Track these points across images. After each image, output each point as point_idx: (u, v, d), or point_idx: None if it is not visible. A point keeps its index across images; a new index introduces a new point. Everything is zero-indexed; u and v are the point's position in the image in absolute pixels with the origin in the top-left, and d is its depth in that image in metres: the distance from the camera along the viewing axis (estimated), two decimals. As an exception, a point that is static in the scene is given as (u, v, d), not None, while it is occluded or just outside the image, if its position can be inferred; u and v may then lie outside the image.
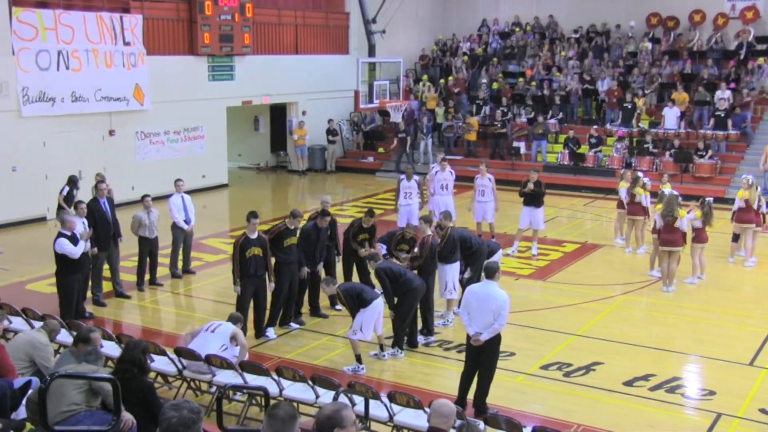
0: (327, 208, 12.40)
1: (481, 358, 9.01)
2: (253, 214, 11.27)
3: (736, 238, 15.90)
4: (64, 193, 15.93)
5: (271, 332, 11.65)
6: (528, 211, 16.09)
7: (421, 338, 11.39)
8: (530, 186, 15.85)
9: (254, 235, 11.24)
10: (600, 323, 12.39)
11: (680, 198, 14.48)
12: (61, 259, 11.56)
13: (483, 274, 9.26)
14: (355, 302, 10.36)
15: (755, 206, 15.39)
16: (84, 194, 15.74)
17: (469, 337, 9.06)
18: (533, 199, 15.99)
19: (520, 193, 16.10)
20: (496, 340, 8.96)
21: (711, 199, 14.89)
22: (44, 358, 8.09)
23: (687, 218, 13.92)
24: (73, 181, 16.13)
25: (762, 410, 9.34)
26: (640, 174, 16.81)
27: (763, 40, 25.78)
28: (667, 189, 16.00)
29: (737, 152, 23.42)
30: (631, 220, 16.46)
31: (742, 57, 25.63)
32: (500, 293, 8.91)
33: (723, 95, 23.62)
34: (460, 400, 8.99)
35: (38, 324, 9.48)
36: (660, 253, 14.12)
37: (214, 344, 9.36)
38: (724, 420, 9.11)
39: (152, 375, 7.63)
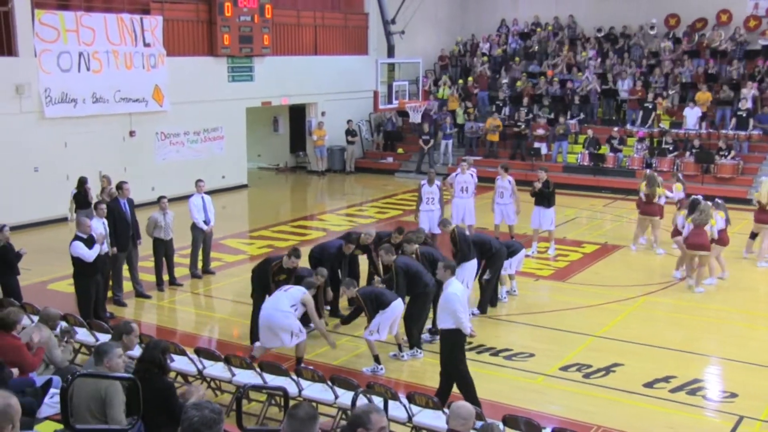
0: (366, 241, 12.30)
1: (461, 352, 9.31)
2: (298, 251, 11.30)
3: (753, 235, 15.94)
4: (73, 193, 16.07)
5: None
6: (538, 211, 16.03)
7: (426, 336, 11.38)
8: (537, 185, 15.75)
9: (287, 267, 11.21)
10: (620, 324, 12.33)
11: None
12: (77, 262, 11.59)
13: (448, 271, 9.34)
14: (374, 305, 10.38)
15: None
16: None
17: (453, 339, 9.15)
18: (542, 199, 15.91)
19: (531, 193, 16.07)
20: None
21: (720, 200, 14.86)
22: (49, 350, 8.12)
23: (717, 225, 14.03)
24: (81, 183, 16.21)
25: (784, 413, 9.26)
26: (655, 174, 16.78)
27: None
28: (678, 191, 16.37)
29: (759, 152, 23.21)
30: (647, 220, 16.42)
31: (766, 56, 25.39)
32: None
33: (747, 94, 23.41)
34: (475, 401, 8.97)
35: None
36: (688, 256, 14.16)
37: (285, 303, 10.06)
38: (746, 423, 9.03)
39: (172, 375, 7.67)
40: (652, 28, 28.18)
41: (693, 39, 27.41)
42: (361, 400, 7.89)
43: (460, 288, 9.26)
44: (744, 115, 23.04)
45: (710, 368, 10.90)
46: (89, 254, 11.50)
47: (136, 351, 8.28)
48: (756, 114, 23.25)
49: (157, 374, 6.67)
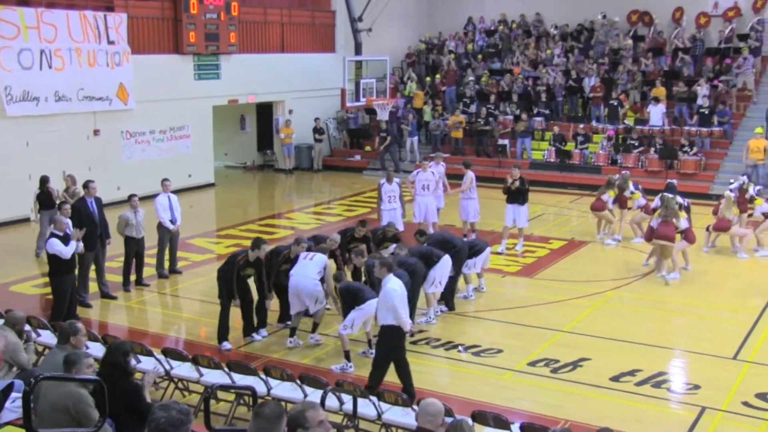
0: (331, 247, 12.14)
1: (403, 348, 9.48)
2: (264, 244, 11.21)
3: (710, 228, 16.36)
4: (36, 193, 15.87)
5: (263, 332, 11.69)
6: (512, 208, 16.11)
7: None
8: (515, 183, 15.86)
9: (253, 260, 11.19)
10: (587, 319, 12.45)
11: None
12: (54, 260, 11.53)
13: (384, 269, 9.42)
14: (351, 301, 10.40)
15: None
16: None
17: (398, 335, 9.28)
18: (517, 197, 16.00)
19: (504, 190, 16.14)
20: None
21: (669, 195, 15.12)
22: (14, 353, 8.01)
23: (682, 225, 14.40)
24: (43, 182, 15.97)
25: (745, 403, 9.42)
26: (615, 177, 17.28)
27: (744, 37, 25.90)
28: (637, 200, 16.93)
29: (721, 149, 23.57)
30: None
31: (723, 54, 25.76)
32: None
33: (703, 91, 23.77)
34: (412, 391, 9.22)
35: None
36: (654, 244, 14.52)
37: (312, 270, 10.75)
38: (709, 413, 9.19)
39: (138, 376, 7.59)
40: (614, 23, 28.38)
41: (651, 34, 27.67)
42: (330, 399, 7.89)
43: (398, 284, 9.32)
44: (706, 112, 23.36)
45: (674, 361, 11.06)
46: (66, 251, 11.45)
47: (98, 352, 8.21)
48: (716, 110, 23.58)
49: (121, 376, 6.60)
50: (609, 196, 16.96)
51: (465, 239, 14.48)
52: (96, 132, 20.73)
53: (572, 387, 9.93)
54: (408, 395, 8.53)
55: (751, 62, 24.82)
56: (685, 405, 9.49)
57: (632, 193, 17.01)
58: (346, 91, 24.82)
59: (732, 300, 13.57)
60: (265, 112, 27.62)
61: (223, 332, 11.25)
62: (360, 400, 8.01)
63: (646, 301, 13.41)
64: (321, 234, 12.53)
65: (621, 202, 17.08)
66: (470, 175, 16.83)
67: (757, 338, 11.59)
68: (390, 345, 9.34)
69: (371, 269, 10.76)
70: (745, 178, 17.24)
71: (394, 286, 9.22)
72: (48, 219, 15.47)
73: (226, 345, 11.18)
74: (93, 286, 13.40)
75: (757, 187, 16.80)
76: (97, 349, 9.36)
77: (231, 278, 11.03)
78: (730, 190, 16.32)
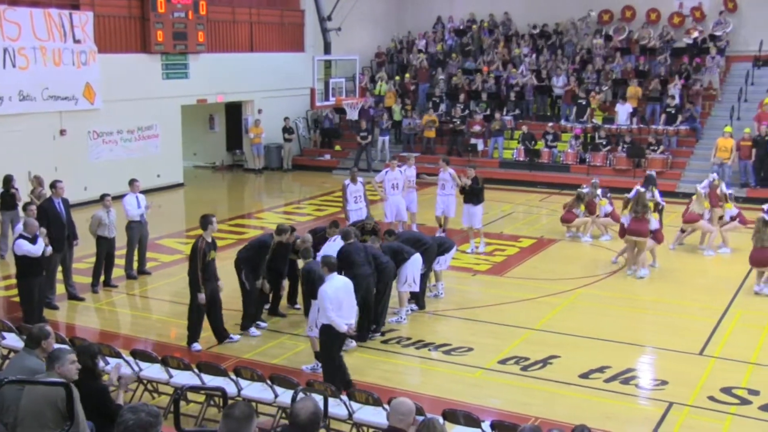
0: (301, 247, 12.06)
1: (340, 344, 9.54)
2: (212, 219, 11.17)
3: (684, 229, 16.50)
4: None
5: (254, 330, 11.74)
6: (466, 209, 16.07)
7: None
8: (466, 182, 15.83)
9: (210, 239, 11.14)
10: (557, 317, 12.54)
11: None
12: (22, 262, 11.37)
13: (326, 268, 9.43)
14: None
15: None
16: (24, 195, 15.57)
17: (335, 335, 9.31)
18: (471, 197, 15.96)
19: (459, 190, 16.16)
20: None
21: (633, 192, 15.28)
22: None
23: (652, 225, 14.61)
24: (6, 181, 15.73)
25: (711, 398, 9.56)
26: (584, 191, 17.37)
27: (711, 38, 26.24)
28: (603, 206, 17.19)
29: (687, 147, 23.88)
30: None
31: (691, 54, 26.09)
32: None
33: (674, 91, 24.05)
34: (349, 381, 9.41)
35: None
36: (627, 240, 14.71)
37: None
38: (676, 408, 9.30)
39: (107, 377, 7.51)
40: (585, 22, 28.61)
41: (623, 33, 27.96)
42: (300, 398, 7.86)
43: (333, 285, 9.27)
44: (673, 111, 23.64)
45: (643, 357, 11.18)
46: (35, 249, 11.33)
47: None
48: (684, 109, 23.88)
49: (89, 379, 6.53)
50: (580, 210, 17.19)
51: (443, 234, 14.92)
52: (62, 132, 20.48)
53: (542, 384, 10.00)
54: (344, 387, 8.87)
55: (718, 62, 25.17)
56: (653, 401, 9.60)
57: (600, 199, 17.17)
58: (316, 90, 24.73)
59: (698, 297, 13.74)
60: (234, 111, 27.47)
61: (194, 333, 11.19)
62: (331, 400, 7.99)
63: (615, 299, 13.54)
64: (318, 226, 12.59)
65: (590, 208, 17.23)
66: (452, 171, 16.87)
67: (722, 334, 11.76)
68: (329, 344, 9.42)
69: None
70: (714, 175, 17.43)
71: (326, 287, 9.25)
72: (9, 219, 15.33)
73: (196, 346, 11.11)
74: (59, 288, 13.23)
75: (729, 191, 16.96)
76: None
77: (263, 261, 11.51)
78: (702, 188, 16.43)
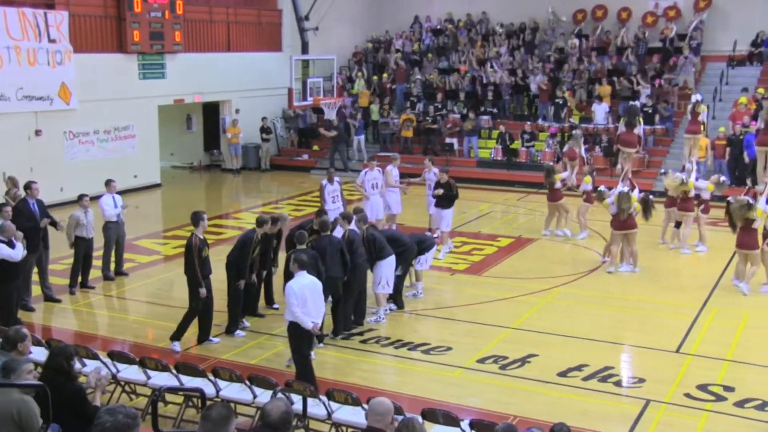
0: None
1: (309, 342, 9.61)
2: (202, 215, 11.21)
3: (678, 224, 16.56)
4: None
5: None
6: (437, 212, 15.93)
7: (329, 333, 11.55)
8: (439, 191, 15.60)
9: (202, 236, 11.14)
10: (535, 316, 12.60)
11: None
12: (1, 265, 11.23)
13: (296, 265, 9.43)
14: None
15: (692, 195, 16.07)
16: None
17: (300, 333, 9.36)
18: (442, 200, 15.79)
19: (433, 194, 16.05)
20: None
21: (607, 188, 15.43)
22: None
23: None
24: None
25: (687, 395, 9.65)
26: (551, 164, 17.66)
27: (684, 37, 26.49)
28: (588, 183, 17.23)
29: (663, 146, 24.10)
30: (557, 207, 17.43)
31: (665, 53, 26.31)
32: (316, 279, 9.67)
33: (646, 91, 24.24)
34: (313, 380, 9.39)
35: None
36: (616, 236, 14.86)
37: None
38: (653, 406, 9.38)
39: (83, 380, 7.45)
40: (560, 22, 28.77)
41: (597, 32, 28.15)
42: (279, 398, 7.84)
43: (300, 282, 9.30)
44: (649, 111, 23.82)
45: (620, 355, 11.26)
46: (15, 254, 11.22)
47: (41, 357, 8.04)
48: (658, 108, 24.06)
49: (65, 381, 6.48)
50: (580, 149, 17.98)
51: (430, 234, 15.20)
52: (38, 132, 20.28)
53: (520, 383, 10.04)
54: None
55: (692, 61, 25.41)
56: (631, 398, 9.67)
57: (584, 155, 17.32)
58: (294, 90, 24.72)
59: (675, 295, 13.85)
60: (211, 111, 27.35)
61: (180, 333, 11.18)
62: (310, 400, 8.00)
63: (593, 297, 13.62)
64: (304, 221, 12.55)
65: (570, 155, 18.02)
66: (437, 170, 16.94)
67: (699, 332, 11.87)
68: (298, 341, 9.49)
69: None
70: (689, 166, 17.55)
71: (291, 283, 9.34)
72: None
73: (176, 346, 11.07)
74: (35, 290, 13.11)
75: (716, 176, 17.10)
76: (41, 354, 9.16)
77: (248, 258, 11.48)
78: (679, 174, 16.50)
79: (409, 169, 19.70)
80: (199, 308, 11.09)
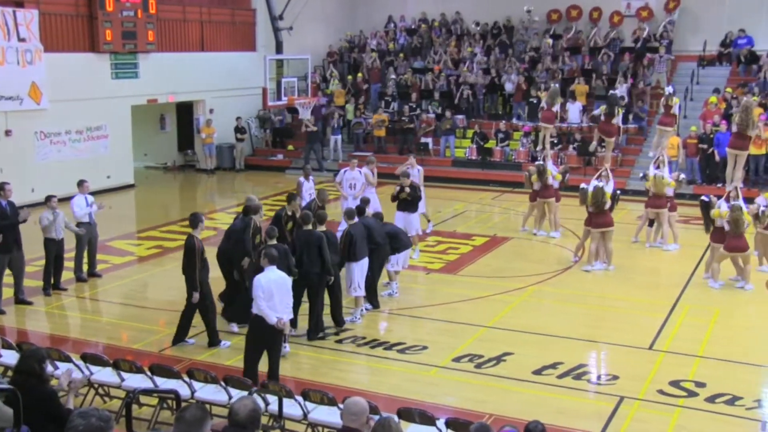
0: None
1: (271, 339, 9.49)
2: (201, 216, 11.30)
3: (652, 222, 16.70)
4: None
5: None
6: (402, 216, 15.41)
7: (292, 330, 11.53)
8: (406, 191, 15.04)
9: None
10: (510, 314, 12.66)
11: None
12: None
13: (266, 259, 9.45)
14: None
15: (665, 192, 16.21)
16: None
17: (260, 326, 9.36)
18: (408, 205, 15.34)
19: (392, 198, 15.41)
20: None
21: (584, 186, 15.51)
22: None
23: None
24: None
25: (660, 391, 9.74)
26: (540, 163, 17.67)
27: (657, 37, 26.72)
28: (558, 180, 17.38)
29: (636, 145, 24.32)
30: (545, 203, 17.45)
31: (637, 53, 26.54)
32: (286, 275, 9.72)
33: (622, 90, 24.43)
34: (255, 376, 9.38)
35: None
36: (592, 234, 15.00)
37: None
38: (627, 402, 9.46)
39: (55, 383, 7.38)
40: (534, 22, 28.92)
41: (570, 32, 28.33)
42: (255, 399, 7.82)
43: (268, 277, 9.33)
44: (623, 110, 23.99)
45: (594, 353, 11.34)
46: None
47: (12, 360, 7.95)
48: (632, 108, 24.29)
49: (36, 384, 6.41)
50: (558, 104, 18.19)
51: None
52: (7, 132, 20.03)
53: (496, 381, 10.09)
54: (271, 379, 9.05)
55: (665, 61, 25.65)
56: (605, 395, 9.74)
57: (554, 175, 17.34)
58: (268, 90, 24.61)
59: (648, 292, 13.99)
60: (185, 111, 27.19)
61: (183, 333, 11.19)
62: (286, 401, 7.98)
63: (567, 295, 13.71)
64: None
65: (546, 116, 18.14)
66: (420, 168, 17.16)
67: (671, 329, 12.00)
68: (254, 334, 9.53)
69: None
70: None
71: (259, 277, 9.39)
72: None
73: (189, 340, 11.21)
74: (7, 292, 12.93)
75: (676, 173, 17.28)
76: (12, 357, 9.06)
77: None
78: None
79: (383, 169, 19.67)
80: (199, 306, 11.06)
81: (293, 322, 11.35)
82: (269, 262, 9.43)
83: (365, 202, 13.65)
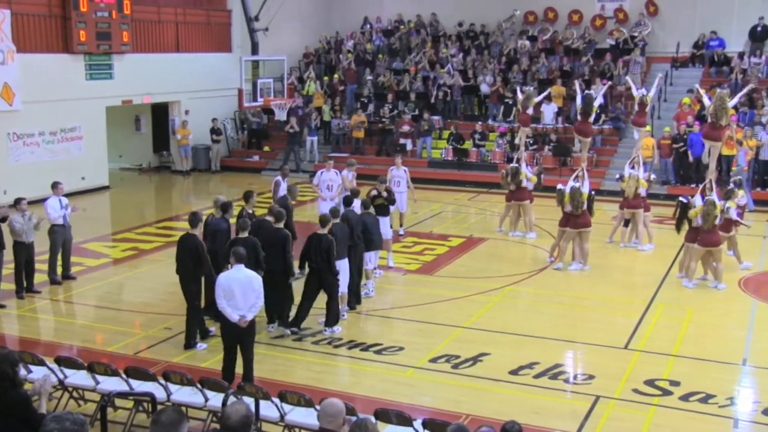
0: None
1: (245, 336, 9.54)
2: (201, 216, 11.45)
3: (627, 223, 16.79)
4: None
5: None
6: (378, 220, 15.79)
7: (270, 328, 11.73)
8: (383, 195, 14.96)
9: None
10: (486, 315, 12.71)
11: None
12: None
13: (233, 259, 9.47)
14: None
15: (640, 192, 16.33)
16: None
17: (224, 325, 9.51)
18: (384, 209, 15.22)
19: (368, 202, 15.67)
20: (255, 317, 9.60)
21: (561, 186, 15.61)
22: None
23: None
24: None
25: (635, 390, 9.83)
26: (515, 165, 17.72)
27: (631, 39, 26.95)
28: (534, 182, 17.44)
29: (611, 146, 24.51)
30: (519, 205, 17.50)
31: (614, 54, 26.74)
32: (255, 274, 9.62)
33: (597, 90, 24.57)
34: (231, 376, 9.52)
35: None
36: (569, 234, 15.11)
37: None
38: (602, 402, 9.53)
39: (29, 386, 7.31)
40: (512, 24, 29.06)
41: (547, 34, 28.51)
42: (231, 402, 7.79)
43: (230, 276, 9.38)
44: (598, 111, 24.15)
45: (570, 353, 11.42)
46: None
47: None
48: (608, 108, 24.48)
49: (9, 388, 6.34)
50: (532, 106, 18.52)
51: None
52: (-20, 134, 19.84)
53: (473, 382, 10.12)
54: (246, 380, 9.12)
55: (640, 62, 25.87)
56: (581, 395, 9.80)
57: (529, 178, 17.43)
58: (244, 91, 24.55)
59: (623, 292, 14.12)
60: (160, 112, 27.02)
61: (195, 332, 11.22)
62: (262, 402, 7.96)
63: (543, 296, 13.79)
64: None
65: (522, 120, 18.25)
66: (406, 169, 17.26)
67: (646, 328, 12.10)
68: (223, 331, 9.71)
69: None
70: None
71: (221, 275, 9.48)
72: None
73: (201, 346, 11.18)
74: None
75: (647, 173, 17.43)
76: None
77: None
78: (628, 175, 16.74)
79: (361, 170, 19.66)
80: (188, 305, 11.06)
81: (282, 319, 11.68)
82: (236, 260, 9.42)
83: (355, 193, 13.75)
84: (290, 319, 11.71)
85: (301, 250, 11.66)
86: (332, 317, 11.70)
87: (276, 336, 11.53)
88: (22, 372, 8.52)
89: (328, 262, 11.35)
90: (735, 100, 15.53)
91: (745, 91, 19.28)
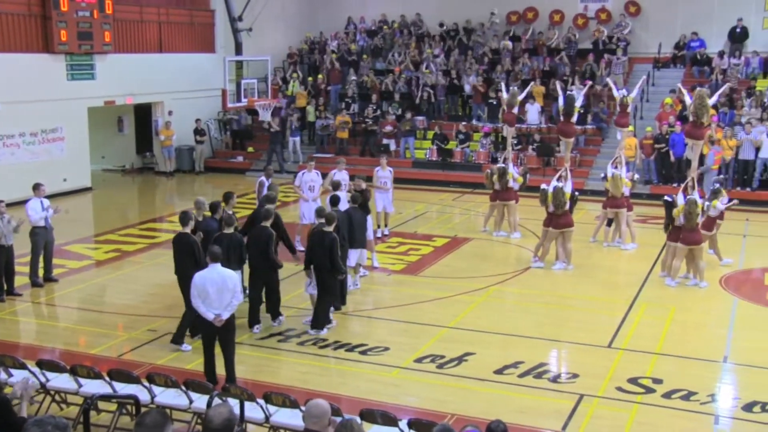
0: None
1: (223, 335, 9.56)
2: (191, 214, 11.42)
3: (610, 222, 16.85)
4: None
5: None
6: None
7: (257, 329, 11.74)
8: (366, 195, 14.95)
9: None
10: (471, 314, 12.73)
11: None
12: None
13: (208, 258, 9.49)
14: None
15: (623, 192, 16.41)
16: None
17: (202, 324, 9.59)
18: (362, 207, 15.59)
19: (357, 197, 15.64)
20: (234, 315, 9.59)
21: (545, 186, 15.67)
22: None
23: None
24: None
25: (619, 388, 9.87)
26: (502, 165, 17.78)
27: (612, 39, 27.07)
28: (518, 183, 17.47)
29: (594, 146, 24.62)
30: (504, 206, 17.51)
31: (596, 55, 26.86)
32: (231, 273, 9.57)
33: (579, 91, 24.68)
34: (213, 377, 9.56)
35: None
36: (551, 234, 15.16)
37: None
38: (586, 400, 9.57)
39: (9, 390, 7.24)
40: (493, 24, 29.12)
41: (529, 35, 28.59)
42: (216, 403, 7.76)
43: (205, 275, 9.39)
44: (582, 111, 24.25)
45: (554, 352, 11.45)
46: None
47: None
48: (590, 109, 24.59)
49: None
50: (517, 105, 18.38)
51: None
52: (-40, 135, 19.66)
53: (458, 381, 10.13)
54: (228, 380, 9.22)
55: (622, 62, 26.00)
56: (565, 393, 9.83)
57: (515, 178, 17.48)
58: (227, 91, 24.47)
59: (607, 291, 14.19)
60: (143, 113, 26.88)
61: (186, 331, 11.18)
62: (247, 404, 7.93)
63: (527, 295, 13.83)
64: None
65: (507, 119, 18.24)
66: (391, 169, 17.38)
67: (629, 327, 12.16)
68: (201, 330, 9.87)
69: None
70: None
71: (195, 276, 9.48)
72: None
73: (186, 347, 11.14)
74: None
75: (630, 173, 17.52)
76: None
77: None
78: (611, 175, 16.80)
79: (354, 170, 19.63)
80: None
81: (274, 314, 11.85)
82: (211, 259, 9.42)
83: (337, 186, 14.01)
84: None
85: (305, 250, 11.83)
86: (320, 320, 11.67)
87: (261, 337, 11.49)
88: (2, 375, 8.47)
89: (330, 260, 11.32)
90: (714, 99, 15.62)
91: (722, 89, 19.42)
